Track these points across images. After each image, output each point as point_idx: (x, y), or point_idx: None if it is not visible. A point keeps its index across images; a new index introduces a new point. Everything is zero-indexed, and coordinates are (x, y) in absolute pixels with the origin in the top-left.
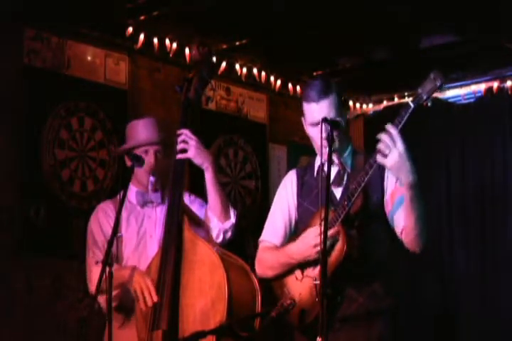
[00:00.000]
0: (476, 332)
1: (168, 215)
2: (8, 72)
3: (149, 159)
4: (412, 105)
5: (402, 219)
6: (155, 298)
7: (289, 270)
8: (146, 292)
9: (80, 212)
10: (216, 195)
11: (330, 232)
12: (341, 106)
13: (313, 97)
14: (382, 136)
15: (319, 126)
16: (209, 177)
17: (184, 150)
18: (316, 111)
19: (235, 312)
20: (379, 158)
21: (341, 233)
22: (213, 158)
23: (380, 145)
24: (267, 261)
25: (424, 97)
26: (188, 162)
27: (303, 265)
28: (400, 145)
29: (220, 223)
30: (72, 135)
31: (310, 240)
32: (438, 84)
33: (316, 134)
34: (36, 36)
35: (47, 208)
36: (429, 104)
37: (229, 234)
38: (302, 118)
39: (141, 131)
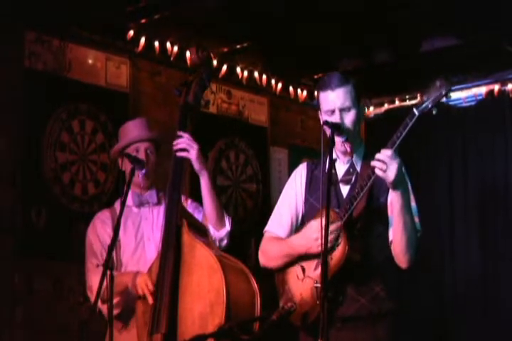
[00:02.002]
0: (477, 333)
1: (167, 218)
2: (9, 75)
3: (140, 156)
4: (416, 113)
5: (392, 231)
6: (150, 301)
7: (291, 263)
8: (147, 292)
9: (81, 215)
10: (211, 203)
11: (331, 227)
12: (357, 98)
13: (330, 85)
14: (378, 156)
15: (335, 114)
16: (205, 184)
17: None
18: (332, 98)
19: (234, 315)
20: (377, 172)
21: (343, 236)
22: (208, 166)
23: (376, 164)
24: (271, 251)
25: (430, 105)
26: (189, 167)
27: (304, 262)
28: (394, 164)
29: (215, 231)
30: (73, 138)
31: (312, 233)
32: (443, 92)
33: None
34: (37, 39)
35: (48, 211)
36: (434, 112)
37: (224, 241)
38: (319, 113)
39: (131, 130)
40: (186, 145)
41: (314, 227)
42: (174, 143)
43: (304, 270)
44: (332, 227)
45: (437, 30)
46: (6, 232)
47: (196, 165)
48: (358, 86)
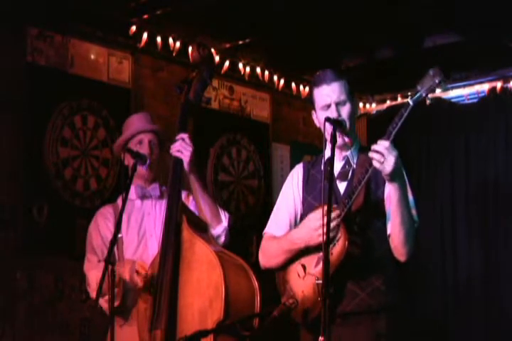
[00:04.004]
0: (478, 329)
1: (167, 215)
2: (11, 71)
3: (145, 149)
4: (411, 103)
5: (390, 223)
6: (139, 284)
7: (291, 261)
8: (140, 268)
9: (83, 211)
10: (204, 204)
11: (331, 215)
12: (351, 93)
13: (325, 80)
14: (375, 147)
15: (331, 109)
16: (197, 186)
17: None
18: (328, 93)
19: (233, 311)
20: (375, 163)
21: (342, 230)
22: (199, 169)
23: (374, 156)
24: (271, 249)
25: (423, 94)
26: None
27: (304, 260)
28: (392, 156)
29: (211, 228)
30: (75, 133)
31: (311, 223)
32: (437, 81)
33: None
34: (39, 35)
35: (50, 207)
36: (428, 102)
37: (222, 238)
38: (313, 112)
39: (135, 122)
40: (181, 148)
41: (313, 218)
42: (172, 146)
43: (304, 267)
44: (332, 215)
45: (439, 27)
46: (8, 228)
47: (187, 168)
48: (350, 82)
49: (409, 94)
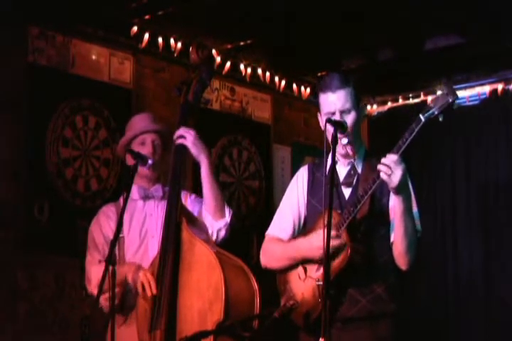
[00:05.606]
0: (478, 334)
1: (167, 216)
2: (12, 70)
3: (147, 149)
4: (422, 119)
5: (393, 232)
6: (154, 291)
7: (294, 265)
8: (147, 284)
9: (84, 211)
10: (211, 190)
11: (334, 243)
12: (358, 100)
13: (331, 87)
14: (384, 161)
15: (335, 116)
16: (204, 170)
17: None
18: (333, 100)
19: (233, 312)
20: (382, 176)
21: (346, 238)
22: (209, 152)
23: (382, 168)
24: (274, 252)
25: (436, 112)
26: (191, 161)
27: (306, 264)
28: (399, 169)
29: (213, 221)
30: (76, 133)
31: (316, 242)
32: (451, 100)
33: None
34: (41, 34)
35: (50, 206)
36: (440, 119)
37: (222, 232)
38: (318, 114)
39: (137, 122)
40: (182, 133)
41: (319, 236)
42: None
43: (305, 270)
44: (335, 243)
45: (440, 29)
46: (9, 227)
47: (193, 150)
48: (357, 87)
49: (410, 95)
